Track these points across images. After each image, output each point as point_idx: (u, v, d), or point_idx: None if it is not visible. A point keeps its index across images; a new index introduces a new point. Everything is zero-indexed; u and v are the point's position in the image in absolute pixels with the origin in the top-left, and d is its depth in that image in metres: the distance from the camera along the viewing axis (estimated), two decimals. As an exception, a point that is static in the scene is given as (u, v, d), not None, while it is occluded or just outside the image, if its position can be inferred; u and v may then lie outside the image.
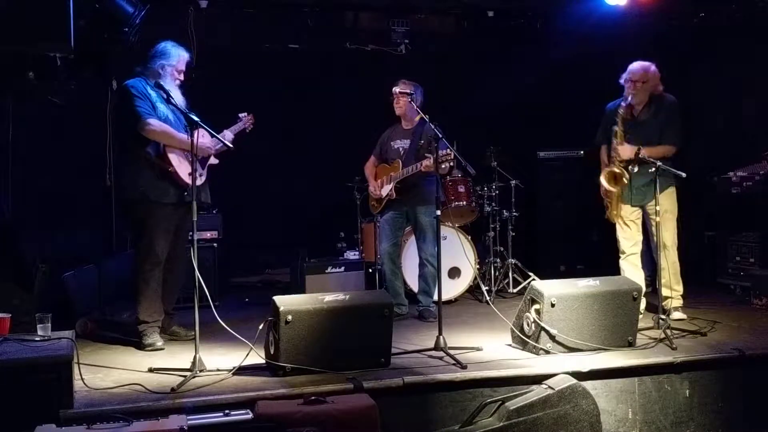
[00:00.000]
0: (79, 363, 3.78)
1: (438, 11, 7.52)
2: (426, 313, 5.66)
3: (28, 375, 3.43)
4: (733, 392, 4.29)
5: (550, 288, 4.38)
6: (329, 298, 4.09)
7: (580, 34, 7.01)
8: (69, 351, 3.60)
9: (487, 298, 5.65)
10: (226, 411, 3.42)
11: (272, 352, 4.02)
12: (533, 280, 6.40)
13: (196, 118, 4.24)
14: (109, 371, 4.16)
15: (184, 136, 4.65)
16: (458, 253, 6.24)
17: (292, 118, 7.48)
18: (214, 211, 6.44)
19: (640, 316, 4.70)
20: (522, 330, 4.48)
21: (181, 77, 4.85)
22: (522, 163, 7.32)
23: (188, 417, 3.28)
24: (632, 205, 5.42)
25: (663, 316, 4.73)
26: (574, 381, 3.90)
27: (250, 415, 3.39)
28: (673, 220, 5.33)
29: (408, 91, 5.45)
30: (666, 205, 5.20)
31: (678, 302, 5.35)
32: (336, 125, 7.55)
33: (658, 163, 4.82)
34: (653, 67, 5.37)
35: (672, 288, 5.28)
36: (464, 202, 6.51)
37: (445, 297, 6.00)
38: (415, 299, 5.85)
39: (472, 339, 4.78)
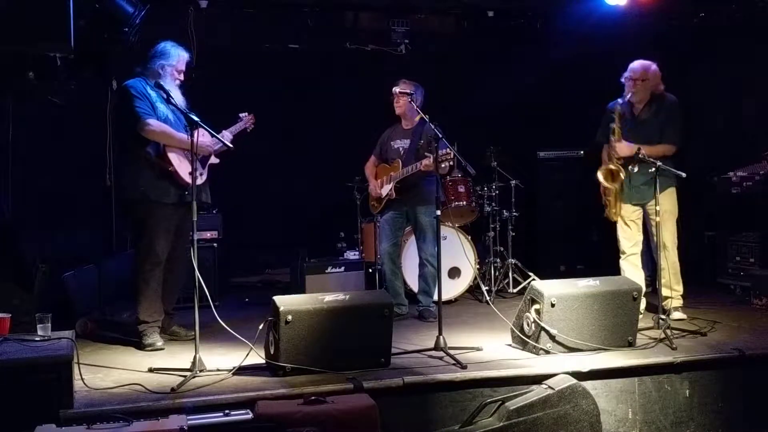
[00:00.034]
0: (79, 363, 3.78)
1: (438, 11, 7.52)
2: (426, 313, 5.66)
3: (28, 375, 3.43)
4: (733, 392, 4.29)
5: (550, 288, 4.38)
6: (329, 298, 4.09)
7: (580, 34, 7.01)
8: (69, 351, 3.60)
9: (487, 298, 5.65)
10: (226, 411, 3.42)
11: (272, 352, 4.03)
12: (533, 280, 6.40)
13: (195, 118, 4.24)
14: (109, 371, 4.16)
15: (183, 135, 4.66)
16: (458, 253, 6.24)
17: (292, 118, 7.48)
18: (214, 211, 6.44)
19: (640, 316, 4.70)
20: (522, 330, 4.48)
21: (181, 77, 4.85)
22: (522, 163, 7.32)
23: (188, 417, 3.28)
24: (631, 204, 5.42)
25: (663, 316, 4.73)
26: (574, 381, 3.90)
27: (250, 415, 3.39)
28: (672, 220, 5.33)
29: (408, 91, 5.45)
30: (666, 205, 5.20)
31: (678, 302, 5.35)
32: (336, 125, 7.55)
33: (658, 163, 4.82)
34: (654, 66, 5.37)
35: (672, 288, 5.28)
36: (464, 202, 6.51)
37: (445, 297, 6.00)
38: (415, 299, 5.85)
39: (472, 339, 4.78)
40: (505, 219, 6.81)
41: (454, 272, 6.42)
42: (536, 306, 4.35)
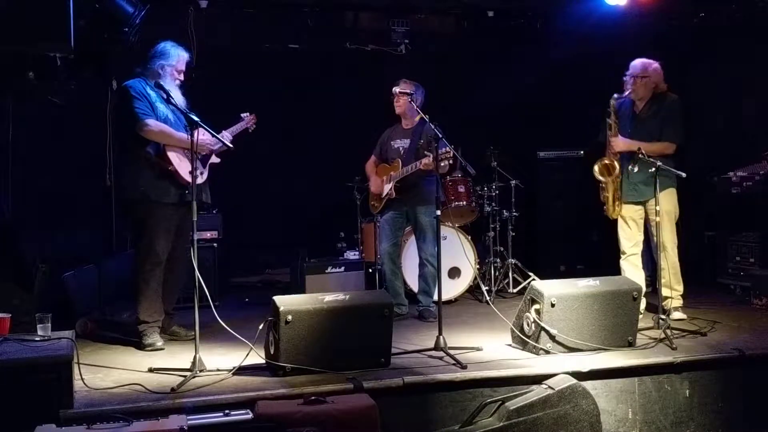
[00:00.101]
0: (79, 363, 3.78)
1: (438, 11, 7.52)
2: (426, 313, 5.65)
3: (28, 375, 3.43)
4: (733, 392, 4.29)
5: (550, 288, 4.38)
6: (329, 298, 4.09)
7: (580, 34, 7.01)
8: (69, 351, 3.60)
9: (487, 298, 5.65)
10: (226, 411, 3.42)
11: (272, 352, 4.03)
12: (533, 280, 6.40)
13: (195, 118, 4.24)
14: (109, 371, 4.16)
15: (182, 135, 4.66)
16: (458, 253, 6.24)
17: (292, 118, 7.47)
18: (214, 211, 6.44)
19: (640, 316, 4.70)
20: (522, 330, 4.48)
21: (181, 77, 4.85)
22: (522, 163, 7.31)
23: (188, 417, 3.28)
24: (629, 202, 5.41)
25: (663, 316, 4.73)
26: (574, 381, 3.90)
27: (250, 415, 3.39)
28: (672, 220, 5.32)
29: (408, 90, 5.46)
30: (665, 205, 5.19)
31: (678, 302, 5.35)
32: (336, 125, 7.55)
33: (658, 163, 4.82)
34: (655, 65, 5.37)
35: (672, 288, 5.28)
36: (464, 202, 6.52)
37: (445, 297, 6.00)
38: (415, 299, 5.85)
39: (472, 339, 4.78)
40: (505, 219, 6.81)
41: (454, 272, 6.42)
42: (536, 306, 4.35)
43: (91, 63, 5.67)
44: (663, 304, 4.89)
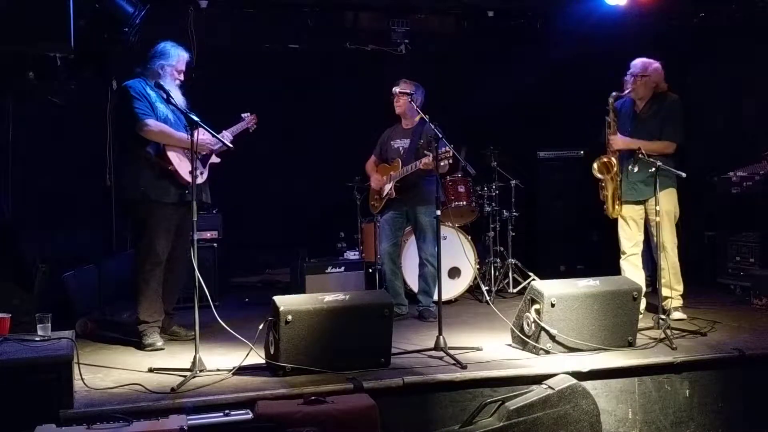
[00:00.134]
0: (79, 363, 3.78)
1: (438, 11, 7.52)
2: (426, 313, 5.65)
3: (28, 375, 3.43)
4: (733, 392, 4.29)
5: (550, 288, 4.38)
6: (329, 298, 4.09)
7: (580, 34, 7.01)
8: (69, 351, 3.60)
9: (487, 298, 5.65)
10: (226, 411, 3.42)
11: (272, 352, 4.02)
12: (533, 280, 6.40)
13: (195, 118, 4.25)
14: (109, 371, 4.16)
15: (182, 134, 4.66)
16: (458, 253, 6.24)
17: (292, 118, 7.47)
18: (214, 211, 6.44)
19: (640, 316, 4.70)
20: (522, 330, 4.48)
21: (181, 77, 4.86)
22: (522, 163, 7.32)
23: (188, 417, 3.28)
24: (628, 201, 5.41)
25: (663, 316, 4.73)
26: (574, 381, 3.90)
27: (250, 415, 3.39)
28: (671, 220, 5.31)
29: (408, 90, 5.46)
30: (664, 205, 5.18)
31: (678, 302, 5.35)
32: (336, 125, 7.55)
33: (658, 163, 4.82)
34: (655, 65, 5.37)
35: (672, 288, 5.28)
36: (464, 202, 6.52)
37: (445, 297, 6.00)
38: (415, 299, 5.85)
39: (472, 339, 4.78)
40: (505, 219, 6.81)
41: (454, 272, 6.42)
42: (536, 306, 4.35)
43: (91, 63, 5.67)
44: (663, 304, 4.89)
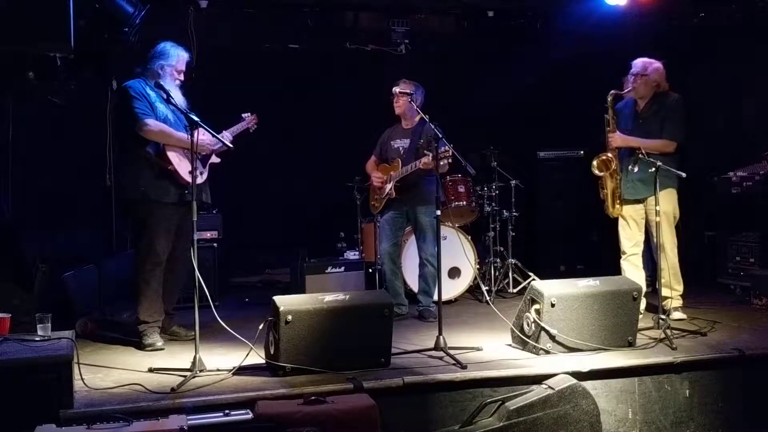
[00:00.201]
0: (79, 363, 3.78)
1: (438, 11, 7.52)
2: (426, 313, 5.65)
3: (28, 375, 3.43)
4: (733, 392, 4.29)
5: (550, 288, 4.38)
6: (329, 298, 4.09)
7: (580, 34, 7.01)
8: (69, 351, 3.60)
9: (487, 298, 5.65)
10: (226, 411, 3.42)
11: (272, 352, 4.02)
12: (533, 280, 6.40)
13: (195, 118, 4.25)
14: (109, 371, 4.16)
15: (182, 134, 4.66)
16: (458, 253, 6.24)
17: (292, 118, 7.47)
18: (214, 211, 6.44)
19: (640, 316, 4.70)
20: (522, 330, 4.48)
21: (181, 77, 4.86)
22: (522, 163, 7.32)
23: (188, 417, 3.28)
24: (628, 201, 5.41)
25: (663, 316, 4.73)
26: (574, 381, 3.90)
27: (250, 415, 3.39)
28: (670, 221, 5.29)
29: (408, 90, 5.46)
30: (663, 205, 5.16)
31: (678, 302, 5.35)
32: (336, 125, 7.55)
33: (658, 163, 4.82)
34: (656, 64, 5.37)
35: (672, 288, 5.27)
36: (464, 202, 6.52)
37: (445, 297, 6.00)
38: (415, 299, 5.85)
39: (472, 339, 4.78)
40: (505, 219, 6.81)
41: (454, 272, 6.42)
42: (536, 306, 4.35)
43: (91, 63, 5.67)
44: (663, 304, 4.89)
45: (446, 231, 6.20)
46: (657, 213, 4.89)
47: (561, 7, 7.12)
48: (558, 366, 4.07)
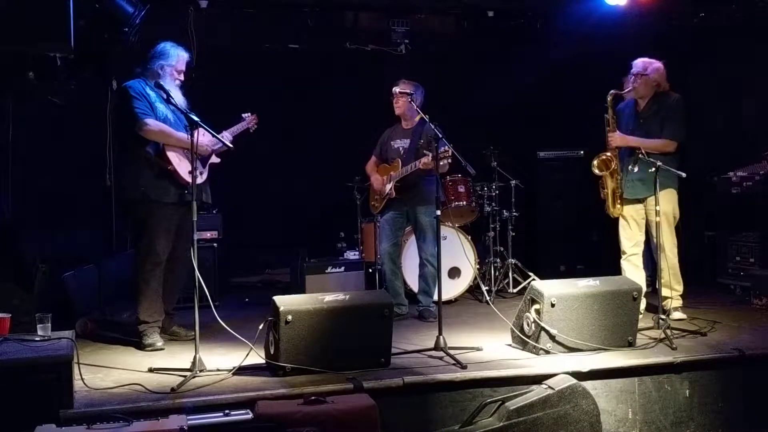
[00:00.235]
0: (79, 363, 3.78)
1: (438, 11, 7.52)
2: (426, 313, 5.65)
3: (28, 375, 3.43)
4: (733, 392, 4.29)
5: (550, 288, 4.38)
6: (329, 298, 4.09)
7: (580, 34, 7.01)
8: (69, 351, 3.60)
9: (487, 298, 5.65)
10: (226, 411, 3.42)
11: (272, 352, 4.02)
12: (533, 280, 6.40)
13: (196, 118, 4.25)
14: (109, 371, 4.16)
15: (182, 134, 4.66)
16: (458, 253, 6.24)
17: (292, 118, 7.47)
18: (214, 211, 6.44)
19: (640, 316, 4.70)
20: (522, 330, 4.48)
21: (181, 77, 4.86)
22: (522, 163, 7.32)
23: (188, 417, 3.28)
24: (628, 200, 5.41)
25: (663, 316, 4.73)
26: (574, 381, 3.90)
27: (250, 415, 3.39)
28: (668, 222, 5.29)
29: (407, 91, 5.46)
30: (663, 205, 5.15)
31: (678, 302, 5.35)
32: (336, 125, 7.55)
33: (658, 163, 4.82)
34: (656, 64, 5.37)
35: (672, 288, 5.27)
36: (464, 202, 6.52)
37: (445, 297, 6.00)
38: (415, 299, 5.85)
39: (472, 339, 4.78)
40: (505, 219, 6.81)
41: (454, 272, 6.42)
42: (536, 306, 4.35)
43: (91, 63, 5.67)
44: (663, 304, 4.89)
45: (446, 231, 6.20)
46: (657, 213, 4.88)
47: (561, 7, 7.12)
48: (558, 366, 4.07)
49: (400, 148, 5.78)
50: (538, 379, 3.97)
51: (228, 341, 4.44)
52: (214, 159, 4.97)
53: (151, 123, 4.61)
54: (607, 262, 5.72)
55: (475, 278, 6.28)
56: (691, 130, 5.46)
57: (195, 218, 4.08)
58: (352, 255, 6.74)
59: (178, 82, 4.83)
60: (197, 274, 3.99)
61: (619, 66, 5.50)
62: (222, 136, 4.70)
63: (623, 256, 5.49)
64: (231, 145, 4.70)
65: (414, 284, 6.03)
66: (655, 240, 5.10)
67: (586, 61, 7.10)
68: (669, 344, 4.44)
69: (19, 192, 5.43)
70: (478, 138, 6.94)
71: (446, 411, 3.90)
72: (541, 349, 4.30)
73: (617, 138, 5.34)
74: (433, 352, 4.40)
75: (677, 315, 5.25)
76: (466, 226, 6.79)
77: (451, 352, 4.29)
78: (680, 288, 5.38)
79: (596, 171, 5.39)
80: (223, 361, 4.20)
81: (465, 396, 3.93)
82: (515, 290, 6.66)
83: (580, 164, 7.33)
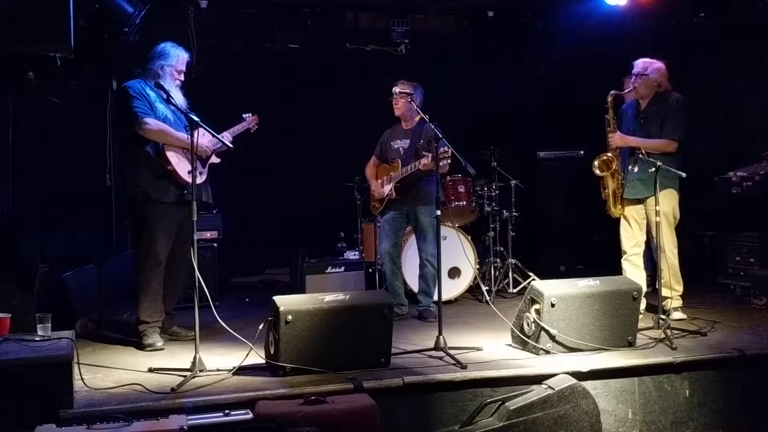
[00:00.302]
0: (79, 363, 3.78)
1: (438, 11, 7.53)
2: (426, 313, 5.65)
3: (28, 375, 3.43)
4: (733, 392, 4.29)
5: (550, 288, 4.38)
6: (329, 298, 4.09)
7: (580, 34, 7.01)
8: (69, 351, 3.60)
9: (487, 298, 5.65)
10: (226, 411, 3.43)
11: (272, 352, 4.02)
12: (533, 280, 6.40)
13: (196, 118, 4.25)
14: (109, 371, 4.16)
15: (182, 134, 4.67)
16: (458, 253, 6.24)
17: (292, 118, 7.48)
18: (214, 211, 6.44)
19: (640, 316, 4.70)
20: (522, 330, 4.48)
21: (181, 77, 4.86)
22: (522, 163, 7.31)
23: (188, 417, 3.28)
24: (628, 200, 5.41)
25: (663, 316, 4.73)
26: (574, 381, 3.90)
27: (250, 415, 3.39)
28: (668, 222, 5.28)
29: (407, 91, 5.46)
30: (662, 206, 5.14)
31: (678, 302, 5.35)
32: (336, 125, 7.55)
33: (658, 163, 4.82)
34: (657, 64, 5.36)
35: (672, 288, 5.27)
36: (464, 202, 6.51)
37: (445, 297, 6.00)
38: (415, 299, 5.85)
39: (472, 339, 4.78)
40: (505, 219, 6.81)
41: (454, 272, 6.41)
42: (536, 306, 4.35)
43: (91, 63, 5.67)
44: (663, 304, 4.89)
45: (446, 231, 6.20)
46: (657, 213, 4.88)
47: (561, 7, 7.13)
48: (558, 366, 4.07)
49: (400, 149, 5.78)
50: (538, 379, 3.97)
51: (228, 341, 4.44)
52: (214, 159, 4.97)
53: (151, 122, 4.61)
54: (607, 262, 5.72)
55: (475, 278, 6.28)
56: (691, 130, 5.46)
57: (195, 218, 4.08)
58: (352, 255, 6.73)
59: (178, 82, 4.83)
60: (197, 274, 3.99)
61: (619, 66, 5.50)
62: (222, 137, 4.70)
63: (624, 256, 5.49)
64: (231, 146, 4.71)
65: (414, 284, 6.03)
66: (655, 240, 5.10)
67: (586, 61, 7.11)
68: (669, 344, 4.44)
69: (20, 192, 5.44)
70: (478, 138, 6.94)
71: (446, 411, 3.90)
72: (541, 349, 4.30)
73: (617, 138, 5.35)
74: (433, 352, 4.40)
75: (677, 315, 5.25)
76: (466, 226, 6.79)
77: (451, 352, 4.29)
78: (680, 288, 5.38)
79: (597, 172, 5.40)
80: (223, 361, 4.20)
81: (465, 396, 3.93)
82: (515, 290, 6.65)
83: (580, 164, 7.32)
